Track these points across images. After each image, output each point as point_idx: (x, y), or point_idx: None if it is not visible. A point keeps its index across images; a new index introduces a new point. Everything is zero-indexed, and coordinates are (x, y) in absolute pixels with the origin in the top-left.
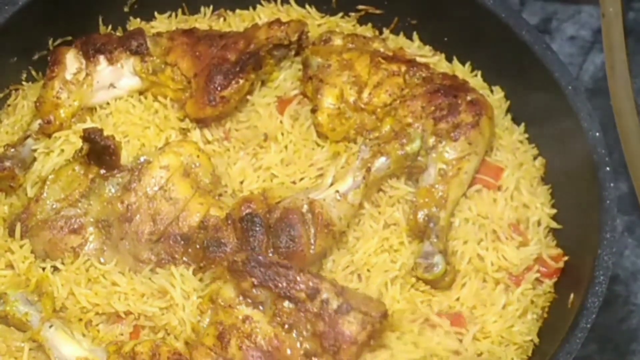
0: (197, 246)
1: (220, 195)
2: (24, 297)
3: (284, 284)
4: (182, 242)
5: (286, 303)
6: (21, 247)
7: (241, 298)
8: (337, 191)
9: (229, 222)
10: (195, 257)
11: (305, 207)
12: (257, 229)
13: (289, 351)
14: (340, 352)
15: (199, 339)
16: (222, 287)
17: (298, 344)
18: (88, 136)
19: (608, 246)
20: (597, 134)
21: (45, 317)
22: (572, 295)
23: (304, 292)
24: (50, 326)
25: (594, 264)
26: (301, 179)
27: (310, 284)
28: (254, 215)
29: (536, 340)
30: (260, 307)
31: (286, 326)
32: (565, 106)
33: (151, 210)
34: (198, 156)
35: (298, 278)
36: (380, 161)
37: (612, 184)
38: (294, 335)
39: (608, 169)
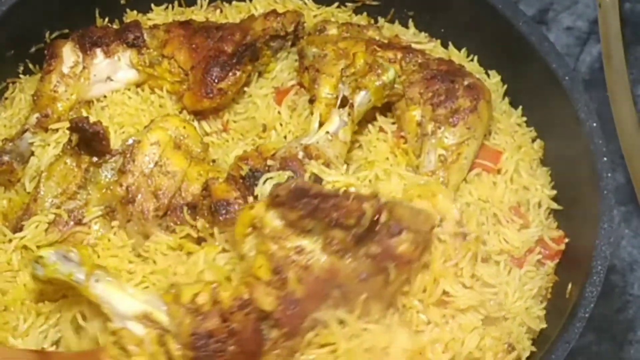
0: (205, 213)
1: (213, 161)
2: (61, 255)
3: (334, 214)
4: (190, 211)
5: (337, 231)
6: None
7: (289, 228)
8: (327, 132)
9: (232, 182)
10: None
11: (301, 154)
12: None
13: (345, 277)
14: (396, 271)
15: (251, 270)
16: (266, 216)
17: (353, 269)
18: (76, 126)
19: (606, 236)
20: (594, 124)
21: (88, 272)
22: (570, 286)
23: (354, 218)
24: (97, 280)
25: (592, 254)
26: None
27: (359, 208)
28: (254, 170)
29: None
30: (311, 237)
31: (339, 253)
32: (563, 97)
33: (151, 187)
34: (184, 127)
35: (345, 203)
36: (361, 95)
37: (609, 174)
38: (348, 261)
39: (605, 159)
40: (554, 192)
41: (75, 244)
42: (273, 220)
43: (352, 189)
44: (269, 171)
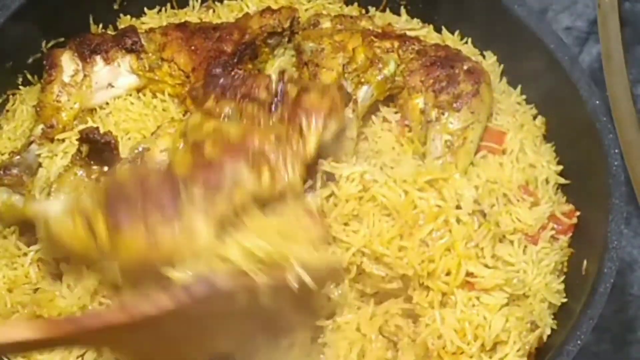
0: None
1: None
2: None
3: (244, 90)
4: None
5: (249, 106)
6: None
7: (208, 116)
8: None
9: None
10: None
11: None
12: None
13: (258, 140)
14: (309, 125)
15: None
16: (188, 118)
17: (265, 131)
18: (87, 137)
19: (618, 212)
20: (597, 102)
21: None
22: (585, 262)
23: (265, 92)
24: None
25: (607, 230)
26: None
27: (269, 82)
28: None
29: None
30: (226, 118)
31: (252, 121)
32: (563, 77)
33: None
34: None
35: (256, 81)
36: (364, 90)
37: (616, 150)
38: (261, 125)
39: (611, 136)
40: (560, 167)
41: None
42: (194, 118)
43: (367, 176)
44: None
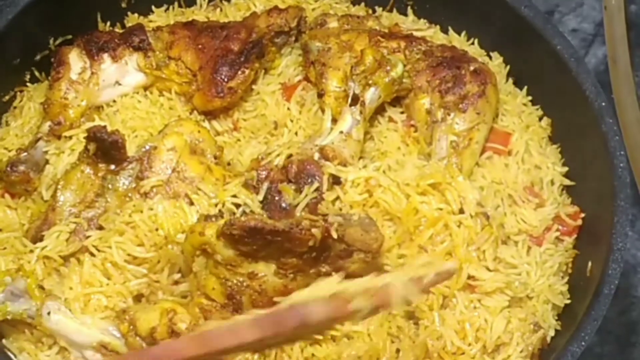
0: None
1: (228, 164)
2: (9, 293)
3: (286, 245)
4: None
5: (289, 257)
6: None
7: (242, 257)
8: (342, 132)
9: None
10: None
11: (317, 155)
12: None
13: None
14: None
15: (203, 289)
16: (217, 244)
17: (305, 286)
18: (94, 135)
19: (623, 214)
20: (603, 103)
21: (39, 305)
22: (590, 264)
23: (305, 246)
24: (48, 313)
25: (611, 232)
26: None
27: (310, 235)
28: (275, 187)
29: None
30: (264, 262)
31: (291, 275)
32: (570, 78)
33: (170, 193)
34: (199, 131)
35: (298, 235)
36: (371, 92)
37: (622, 152)
38: (298, 279)
39: (617, 137)
40: (566, 168)
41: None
42: (225, 250)
43: (372, 181)
44: (287, 176)
